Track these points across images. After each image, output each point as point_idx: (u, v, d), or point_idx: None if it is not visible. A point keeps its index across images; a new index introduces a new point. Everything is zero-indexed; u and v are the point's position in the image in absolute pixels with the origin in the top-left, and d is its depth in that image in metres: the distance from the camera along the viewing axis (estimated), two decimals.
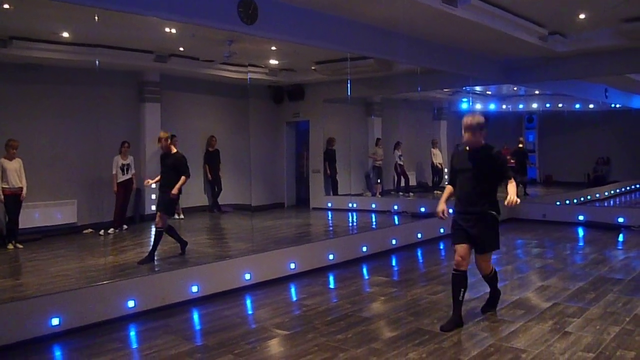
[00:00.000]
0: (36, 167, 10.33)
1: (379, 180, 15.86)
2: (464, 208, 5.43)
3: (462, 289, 5.34)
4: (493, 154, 5.41)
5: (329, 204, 14.88)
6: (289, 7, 7.37)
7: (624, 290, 6.49)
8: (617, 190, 16.74)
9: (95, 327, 5.52)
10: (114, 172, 10.85)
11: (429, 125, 17.99)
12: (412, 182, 16.80)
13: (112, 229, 10.78)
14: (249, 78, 12.45)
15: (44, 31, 9.11)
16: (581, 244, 10.21)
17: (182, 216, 12.51)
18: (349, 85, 11.41)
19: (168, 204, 8.36)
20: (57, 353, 5.06)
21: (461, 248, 5.37)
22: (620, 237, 10.26)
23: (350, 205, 14.39)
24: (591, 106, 17.18)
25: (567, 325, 5.24)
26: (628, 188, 17.47)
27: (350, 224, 13.09)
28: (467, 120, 5.45)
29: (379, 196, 15.56)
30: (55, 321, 5.32)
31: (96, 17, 6.83)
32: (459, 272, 5.36)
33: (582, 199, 14.77)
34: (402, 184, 16.20)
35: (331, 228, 12.86)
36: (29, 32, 9.11)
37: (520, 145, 15.95)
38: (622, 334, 4.97)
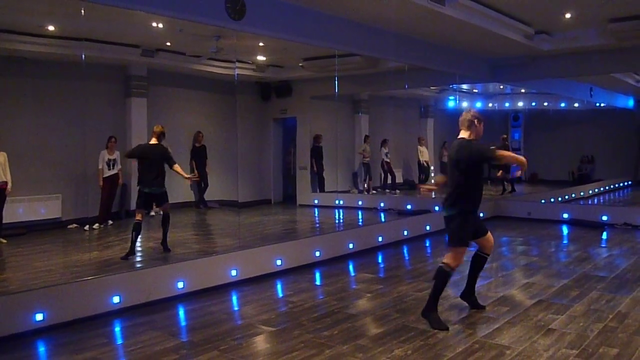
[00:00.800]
0: (21, 161, 10.23)
1: (368, 177, 15.89)
2: (477, 207, 5.48)
3: None
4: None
5: (316, 201, 14.88)
6: (277, 3, 7.36)
7: (607, 287, 6.56)
8: (601, 189, 16.91)
9: (80, 323, 5.48)
10: (100, 167, 10.77)
11: (416, 123, 18.04)
12: (399, 179, 16.84)
13: (97, 224, 10.71)
14: (236, 74, 12.40)
15: (29, 24, 9.02)
16: (565, 241, 10.30)
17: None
18: (336, 82, 11.41)
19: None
20: (41, 349, 5.03)
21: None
22: (604, 235, 10.37)
23: (336, 202, 14.41)
24: (576, 105, 17.32)
25: (551, 323, 5.29)
26: (612, 186, 17.65)
27: (337, 221, 13.11)
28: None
29: (372, 192, 15.59)
30: (39, 317, 5.28)
31: (82, 11, 6.77)
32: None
33: (566, 197, 14.90)
34: (389, 181, 16.23)
35: (318, 225, 12.87)
36: (14, 24, 9.02)
37: (506, 143, 15.98)
38: (606, 331, 5.03)
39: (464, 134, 5.53)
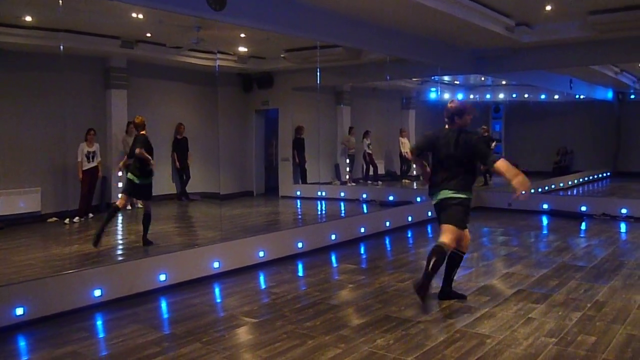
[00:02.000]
0: None
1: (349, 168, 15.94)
2: None
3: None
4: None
5: (298, 192, 14.89)
6: None
7: (585, 277, 6.66)
8: (581, 180, 17.10)
9: (61, 317, 5.44)
10: (79, 159, 10.67)
11: (398, 115, 18.09)
12: (381, 170, 16.90)
13: (77, 218, 10.61)
14: (218, 65, 12.34)
15: (6, 15, 8.87)
16: (545, 232, 10.42)
17: (139, 205, 12.37)
18: (318, 73, 11.40)
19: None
20: (22, 343, 4.98)
21: None
22: (583, 226, 10.50)
23: (319, 193, 14.41)
24: (556, 97, 17.49)
25: (531, 312, 5.35)
26: (591, 177, 17.86)
27: (319, 212, 13.12)
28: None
29: (352, 184, 15.63)
30: (19, 311, 5.22)
31: (60, 1, 6.68)
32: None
33: (546, 188, 15.06)
34: (371, 172, 16.28)
35: (300, 216, 12.88)
36: None
37: (485, 134, 15.98)
38: (584, 319, 5.10)
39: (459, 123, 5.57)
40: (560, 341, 4.57)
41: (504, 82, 16.92)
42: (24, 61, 10.57)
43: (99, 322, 5.50)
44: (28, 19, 9.07)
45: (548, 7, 9.15)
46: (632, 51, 10.89)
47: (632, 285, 6.23)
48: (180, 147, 13.54)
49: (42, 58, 10.44)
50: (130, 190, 8.40)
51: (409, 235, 9.97)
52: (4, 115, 10.55)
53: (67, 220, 10.51)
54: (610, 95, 18.74)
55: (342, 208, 13.12)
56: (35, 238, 9.69)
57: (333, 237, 8.85)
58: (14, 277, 6.43)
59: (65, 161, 10.91)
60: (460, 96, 18.01)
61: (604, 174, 18.59)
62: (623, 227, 10.32)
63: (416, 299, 5.50)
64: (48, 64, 10.46)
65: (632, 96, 18.77)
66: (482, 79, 16.22)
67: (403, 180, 16.82)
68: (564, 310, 5.37)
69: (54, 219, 10.76)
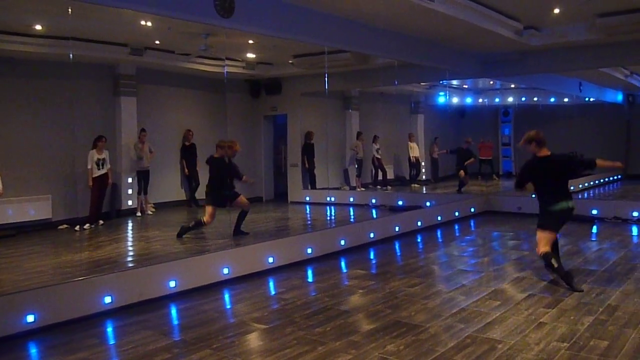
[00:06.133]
0: (9, 162, 10.19)
1: (357, 175, 15.93)
2: None
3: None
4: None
5: (307, 198, 14.89)
6: (266, 0, 7.34)
7: (597, 281, 6.60)
8: (591, 183, 16.99)
9: (72, 324, 5.46)
10: (89, 166, 10.73)
11: (406, 119, 18.09)
12: (390, 175, 16.88)
13: (87, 225, 10.67)
14: (226, 72, 12.38)
15: (16, 24, 8.97)
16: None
17: (149, 212, 12.44)
18: (326, 78, 11.41)
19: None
20: (33, 350, 5.00)
21: None
22: (594, 229, 10.43)
23: (328, 199, 14.42)
24: (566, 100, 17.41)
25: (542, 316, 5.31)
26: (602, 180, 17.75)
27: (329, 218, 13.11)
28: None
29: (361, 189, 15.62)
30: (30, 318, 5.24)
31: (69, 10, 6.74)
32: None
33: None
34: (380, 177, 16.26)
35: (309, 222, 12.87)
36: (1, 24, 8.95)
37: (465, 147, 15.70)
38: (596, 324, 5.06)
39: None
40: (572, 346, 4.53)
41: (512, 86, 16.87)
42: (34, 69, 10.66)
43: (110, 329, 5.51)
44: (38, 27, 9.15)
45: (556, 10, 9.13)
46: None
47: None
48: (188, 154, 13.58)
49: (51, 66, 10.53)
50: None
51: (419, 240, 9.94)
52: (14, 122, 10.64)
53: (77, 227, 10.57)
54: (620, 97, 18.62)
55: (352, 213, 13.10)
56: (46, 245, 9.74)
57: (342, 242, 8.83)
58: (25, 285, 6.46)
59: (75, 168, 10.98)
60: (469, 100, 18.01)
61: (615, 177, 18.46)
62: (635, 230, 10.24)
63: (426, 304, 5.50)
64: (58, 71, 10.54)
65: None
66: (491, 82, 16.18)
67: (412, 185, 16.79)
68: (576, 315, 5.33)
69: (65, 225, 10.82)
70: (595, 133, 17.80)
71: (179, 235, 9.38)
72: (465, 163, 15.01)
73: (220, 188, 9.32)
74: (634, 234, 9.98)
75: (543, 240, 6.47)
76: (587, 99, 17.49)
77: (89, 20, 8.38)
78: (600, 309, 5.48)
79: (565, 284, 6.24)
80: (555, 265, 6.28)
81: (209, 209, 9.21)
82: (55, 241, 10.01)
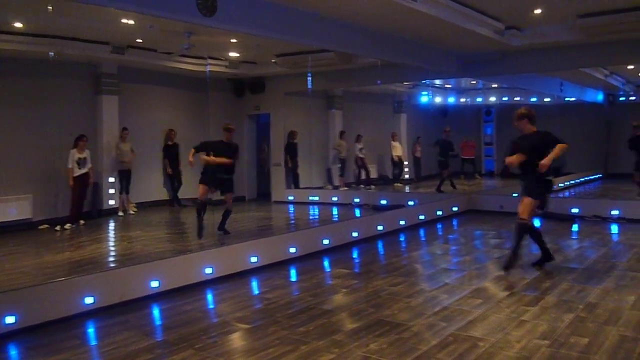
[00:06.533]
0: None
1: (340, 174, 15.95)
2: None
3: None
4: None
5: (290, 197, 14.88)
6: None
7: (577, 278, 6.68)
8: (572, 182, 17.17)
9: (53, 325, 5.40)
10: (70, 166, 10.63)
11: (389, 118, 18.15)
12: (373, 174, 16.92)
13: (68, 224, 10.58)
14: (209, 70, 12.33)
15: None
16: None
17: (131, 212, 12.35)
18: (309, 78, 11.42)
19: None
20: (13, 352, 4.94)
21: None
22: (575, 227, 10.54)
23: (311, 198, 14.43)
24: (547, 99, 17.57)
25: (524, 314, 5.36)
26: (582, 179, 17.94)
27: (312, 217, 13.12)
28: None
29: (344, 188, 15.64)
30: (10, 319, 5.18)
31: (50, 7, 6.67)
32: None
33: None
34: (363, 176, 16.30)
35: (292, 221, 12.87)
36: None
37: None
38: (576, 321, 5.12)
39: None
40: (553, 343, 4.58)
41: (495, 85, 17.00)
42: (14, 67, 10.54)
43: (91, 330, 5.46)
44: (18, 25, 9.05)
45: (537, 11, 9.21)
46: (621, 53, 10.98)
47: (624, 287, 6.25)
48: (171, 153, 13.52)
49: (32, 64, 10.41)
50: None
51: (402, 239, 9.97)
52: None
53: (58, 227, 10.47)
54: (600, 97, 18.84)
55: (335, 212, 13.12)
56: (26, 245, 9.63)
57: (326, 241, 8.84)
58: (5, 285, 6.38)
59: (56, 168, 10.86)
60: (451, 99, 18.10)
61: (595, 176, 18.68)
62: (614, 228, 10.37)
63: (409, 303, 5.52)
64: (38, 70, 10.43)
65: (622, 98, 18.88)
66: (473, 82, 16.29)
67: (395, 184, 16.85)
68: (557, 312, 5.38)
69: (45, 225, 10.71)
70: (576, 132, 17.96)
71: (200, 236, 9.19)
72: (450, 153, 15.15)
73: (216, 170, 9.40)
74: (613, 232, 10.11)
75: (529, 207, 7.02)
76: (568, 99, 17.68)
77: (70, 18, 8.30)
78: (581, 307, 5.54)
79: (506, 260, 7.03)
80: (520, 242, 7.01)
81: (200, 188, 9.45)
82: (36, 241, 9.91)
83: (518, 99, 17.83)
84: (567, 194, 15.82)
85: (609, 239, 9.50)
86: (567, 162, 18.39)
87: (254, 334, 5.07)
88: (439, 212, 11.91)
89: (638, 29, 9.29)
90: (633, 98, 18.52)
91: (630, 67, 14.13)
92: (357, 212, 12.93)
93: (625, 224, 10.59)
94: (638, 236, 9.40)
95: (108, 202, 12.25)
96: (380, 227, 10.14)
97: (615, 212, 11.09)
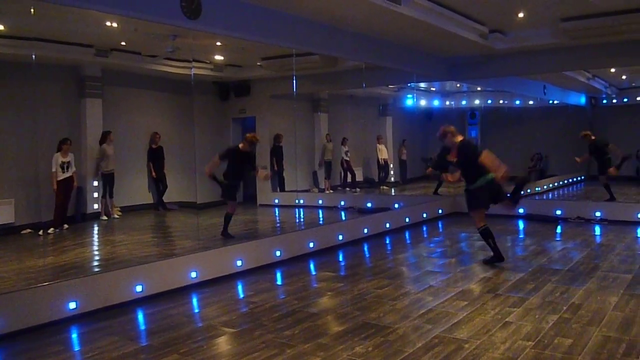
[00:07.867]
0: None
1: (326, 177, 15.94)
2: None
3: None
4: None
5: (276, 201, 14.85)
6: (234, 2, 7.30)
7: (561, 280, 6.73)
8: (555, 184, 17.30)
9: (36, 330, 5.34)
10: (53, 169, 10.54)
11: (375, 121, 18.19)
12: (359, 177, 16.94)
13: (52, 229, 10.48)
14: (193, 74, 12.28)
15: None
16: (521, 236, 10.52)
17: (115, 216, 12.27)
18: (294, 81, 11.41)
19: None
20: None
21: None
22: (558, 229, 10.62)
23: (297, 201, 14.41)
24: (531, 102, 17.69)
25: (508, 315, 5.39)
26: (565, 182, 18.08)
27: (297, 220, 13.10)
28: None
29: (330, 191, 15.63)
30: None
31: (32, 10, 6.61)
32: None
33: (522, 192, 15.17)
34: (349, 179, 16.30)
35: (278, 224, 12.85)
36: None
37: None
38: (560, 322, 5.15)
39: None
40: (537, 344, 4.60)
41: (479, 89, 17.09)
42: None
43: (75, 335, 5.41)
44: None
45: (521, 14, 9.28)
46: (603, 57, 11.09)
47: (606, 288, 6.31)
48: (156, 157, 13.44)
49: (14, 67, 10.32)
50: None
51: (387, 242, 9.99)
52: None
53: (41, 232, 10.37)
54: (583, 100, 19.00)
55: (321, 215, 13.11)
56: (8, 250, 9.52)
57: (311, 244, 8.83)
58: None
59: (39, 172, 10.76)
60: (436, 102, 18.18)
61: (578, 178, 18.83)
62: (597, 230, 10.46)
63: (395, 306, 5.53)
64: (20, 73, 10.33)
65: (605, 101, 19.05)
66: (458, 85, 16.38)
67: (381, 187, 16.88)
68: (541, 314, 5.42)
69: (28, 230, 10.60)
70: (559, 135, 18.13)
71: (225, 235, 9.50)
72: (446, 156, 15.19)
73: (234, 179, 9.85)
74: (596, 233, 10.19)
75: (477, 217, 7.54)
76: (551, 102, 17.81)
77: (52, 20, 8.24)
78: (565, 308, 5.58)
79: (487, 257, 7.69)
80: (491, 243, 7.55)
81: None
82: (18, 246, 9.80)
83: (502, 102, 17.96)
84: (550, 196, 15.94)
85: (592, 241, 9.58)
86: (551, 165, 18.60)
87: (239, 338, 5.05)
88: (425, 215, 11.95)
89: (620, 32, 9.40)
90: (615, 101, 18.70)
91: (613, 70, 14.27)
92: (343, 215, 12.93)
93: (607, 226, 10.69)
94: (620, 237, 9.50)
95: (92, 206, 12.16)
96: (365, 230, 10.15)
97: (598, 214, 11.20)
